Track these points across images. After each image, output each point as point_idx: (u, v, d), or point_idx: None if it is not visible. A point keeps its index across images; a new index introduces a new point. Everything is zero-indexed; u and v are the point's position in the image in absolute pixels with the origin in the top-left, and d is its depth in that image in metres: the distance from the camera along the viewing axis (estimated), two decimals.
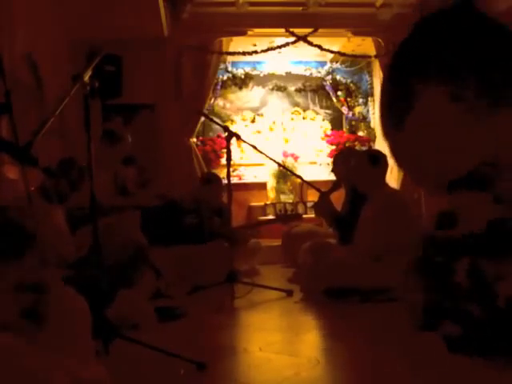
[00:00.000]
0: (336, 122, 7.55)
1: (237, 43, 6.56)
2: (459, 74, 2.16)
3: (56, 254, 2.50)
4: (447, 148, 2.15)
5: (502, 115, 2.09)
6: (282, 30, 6.30)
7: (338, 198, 4.55)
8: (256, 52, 6.51)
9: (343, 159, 4.33)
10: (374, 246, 3.50)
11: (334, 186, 4.45)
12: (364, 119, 7.53)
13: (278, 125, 7.40)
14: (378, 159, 3.71)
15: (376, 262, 3.45)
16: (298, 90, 7.52)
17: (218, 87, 7.04)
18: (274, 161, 4.40)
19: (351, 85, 7.52)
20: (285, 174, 6.78)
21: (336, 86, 7.47)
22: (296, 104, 7.52)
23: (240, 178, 7.04)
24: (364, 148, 7.11)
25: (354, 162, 3.92)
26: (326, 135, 7.43)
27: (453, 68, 2.18)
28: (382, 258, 3.44)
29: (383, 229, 3.48)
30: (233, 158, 5.78)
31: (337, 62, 7.43)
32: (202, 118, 6.38)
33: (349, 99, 7.51)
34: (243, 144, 6.72)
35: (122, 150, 4.18)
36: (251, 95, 7.43)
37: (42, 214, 2.26)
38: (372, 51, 6.72)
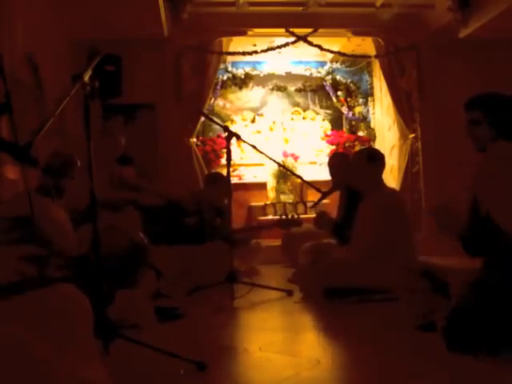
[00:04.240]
0: (336, 121, 7.55)
1: (237, 43, 6.55)
2: None
3: (57, 249, 2.50)
4: None
5: None
6: (282, 30, 6.30)
7: (337, 199, 4.55)
8: (256, 52, 6.50)
9: (339, 162, 4.36)
10: (371, 245, 3.50)
11: (334, 186, 4.46)
12: (364, 119, 7.53)
13: (278, 125, 7.40)
14: (374, 156, 3.73)
15: (374, 261, 3.45)
16: (298, 90, 7.52)
17: (218, 87, 7.04)
18: (274, 161, 4.40)
19: (351, 85, 7.52)
20: (285, 173, 6.78)
21: (336, 85, 7.47)
22: (296, 104, 7.52)
23: (240, 178, 7.04)
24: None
25: (352, 160, 3.95)
26: (326, 135, 7.43)
27: None
28: (381, 258, 3.45)
29: (381, 228, 3.49)
30: (233, 158, 5.77)
31: (337, 62, 7.43)
32: (202, 118, 6.38)
33: (349, 99, 7.51)
34: (243, 144, 6.72)
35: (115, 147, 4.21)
36: (251, 95, 7.42)
37: (41, 210, 2.26)
38: (372, 51, 6.72)
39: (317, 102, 7.57)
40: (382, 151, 4.04)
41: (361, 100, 7.53)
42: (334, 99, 7.47)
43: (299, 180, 5.45)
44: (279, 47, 6.41)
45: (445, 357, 2.05)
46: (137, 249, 3.26)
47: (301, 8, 5.98)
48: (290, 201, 6.81)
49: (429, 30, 6.27)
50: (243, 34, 6.30)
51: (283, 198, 6.89)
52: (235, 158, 6.87)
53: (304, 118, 7.49)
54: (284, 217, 4.77)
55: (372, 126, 7.51)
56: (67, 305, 1.50)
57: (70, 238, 3.04)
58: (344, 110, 7.49)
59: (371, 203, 3.63)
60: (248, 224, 6.51)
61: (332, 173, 4.43)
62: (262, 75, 7.37)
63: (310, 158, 7.26)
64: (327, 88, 7.46)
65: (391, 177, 6.80)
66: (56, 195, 3.13)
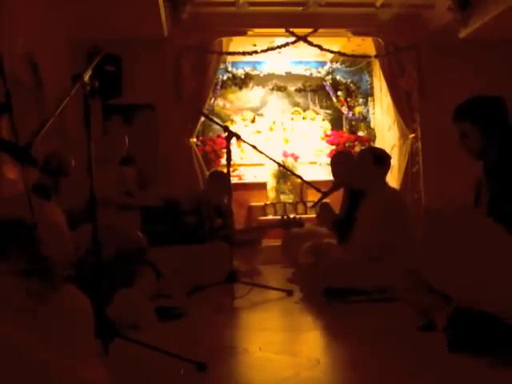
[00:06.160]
0: (336, 121, 7.55)
1: (237, 43, 6.55)
2: None
3: (54, 250, 2.49)
4: None
5: None
6: (282, 30, 6.30)
7: (337, 198, 4.55)
8: (256, 52, 6.50)
9: (342, 161, 4.35)
10: (372, 244, 3.50)
11: (334, 186, 4.45)
12: (364, 119, 7.53)
13: (278, 125, 7.40)
14: (381, 159, 3.72)
15: (375, 261, 3.45)
16: (298, 90, 7.52)
17: (218, 87, 7.04)
18: (274, 161, 4.39)
19: (351, 85, 7.52)
20: (285, 173, 6.78)
21: (336, 85, 7.47)
22: (296, 104, 7.52)
23: (240, 178, 7.03)
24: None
25: (357, 159, 3.94)
26: (326, 135, 7.43)
27: None
28: (381, 258, 3.45)
29: (382, 228, 3.49)
30: (233, 157, 5.77)
31: (337, 62, 7.43)
32: (202, 118, 6.38)
33: (349, 99, 7.51)
34: (243, 144, 6.72)
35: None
36: (251, 95, 7.43)
37: (38, 211, 2.25)
38: (372, 51, 6.72)
39: (317, 101, 7.57)
40: (386, 151, 4.04)
41: (361, 100, 7.53)
42: (334, 99, 7.47)
43: (299, 180, 5.45)
44: (279, 47, 6.41)
45: (445, 357, 2.05)
46: (136, 248, 3.26)
47: (301, 8, 5.98)
48: (290, 201, 6.81)
49: (429, 30, 6.27)
50: (243, 34, 6.30)
51: (283, 197, 6.89)
52: (235, 158, 6.87)
53: (304, 118, 7.49)
54: (286, 217, 4.76)
55: (372, 126, 7.51)
56: (67, 305, 1.50)
57: (66, 239, 3.04)
58: (344, 110, 7.49)
59: (373, 202, 3.63)
60: (248, 224, 6.51)
61: (334, 171, 4.42)
62: (261, 75, 7.37)
63: (310, 158, 7.26)
64: (327, 88, 7.46)
65: (391, 177, 6.80)
66: (54, 194, 3.14)
